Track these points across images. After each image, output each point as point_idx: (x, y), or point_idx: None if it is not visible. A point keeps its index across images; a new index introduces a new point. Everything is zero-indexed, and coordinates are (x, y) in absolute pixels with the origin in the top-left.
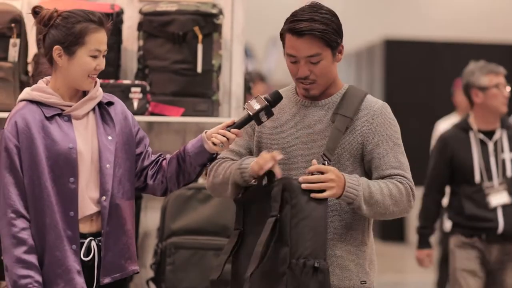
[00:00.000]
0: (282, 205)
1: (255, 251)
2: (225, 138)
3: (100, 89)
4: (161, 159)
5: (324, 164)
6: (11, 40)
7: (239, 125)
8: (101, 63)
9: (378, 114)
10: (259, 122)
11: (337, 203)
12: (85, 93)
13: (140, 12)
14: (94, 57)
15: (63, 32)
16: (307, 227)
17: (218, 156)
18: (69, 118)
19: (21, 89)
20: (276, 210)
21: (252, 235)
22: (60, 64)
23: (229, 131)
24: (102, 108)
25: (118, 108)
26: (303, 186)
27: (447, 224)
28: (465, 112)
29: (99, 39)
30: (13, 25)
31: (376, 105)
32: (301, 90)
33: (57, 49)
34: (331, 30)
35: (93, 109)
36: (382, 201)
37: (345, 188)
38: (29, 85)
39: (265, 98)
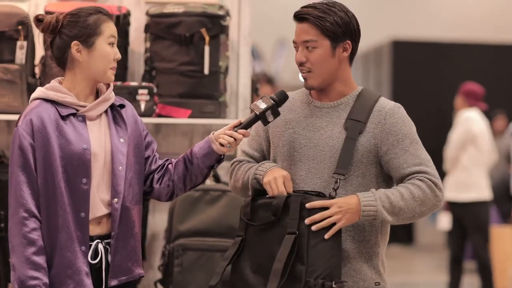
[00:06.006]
0: (299, 222)
1: (274, 267)
2: (232, 139)
3: (113, 92)
4: (167, 163)
5: (337, 181)
6: (18, 43)
7: (246, 125)
8: (117, 52)
9: (390, 114)
10: (266, 122)
11: None
12: (98, 95)
13: (147, 14)
14: (111, 45)
15: (78, 27)
16: (327, 248)
17: (236, 159)
18: (83, 119)
19: (29, 92)
20: (294, 227)
21: (252, 244)
22: (80, 59)
23: (236, 131)
24: (115, 111)
25: (129, 111)
26: (313, 228)
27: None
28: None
29: (112, 28)
30: (20, 27)
31: (388, 105)
32: (303, 80)
33: (75, 45)
34: (331, 20)
35: (106, 111)
36: (406, 207)
37: (361, 208)
38: (36, 87)
39: (271, 97)
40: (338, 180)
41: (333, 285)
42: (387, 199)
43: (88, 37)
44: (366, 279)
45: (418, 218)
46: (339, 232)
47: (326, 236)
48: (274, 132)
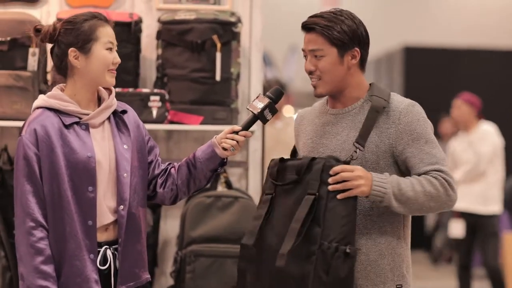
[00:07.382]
0: (320, 185)
1: (291, 227)
2: (235, 142)
3: (115, 98)
4: (169, 167)
5: (356, 152)
6: (30, 50)
7: (246, 126)
8: (116, 56)
9: (404, 113)
10: (265, 120)
11: (369, 207)
12: (100, 101)
13: (159, 20)
14: (109, 49)
15: (73, 34)
16: (343, 212)
17: None
18: (86, 127)
19: None
20: (315, 189)
21: (277, 204)
22: (78, 66)
23: (237, 134)
24: (117, 117)
25: (131, 116)
26: (330, 188)
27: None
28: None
29: (109, 33)
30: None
31: (402, 104)
32: (313, 88)
33: (72, 52)
34: (338, 28)
35: (108, 118)
36: (414, 198)
37: (372, 186)
38: None
39: (267, 95)
40: (357, 150)
41: (347, 250)
42: (398, 186)
43: (84, 43)
44: (387, 281)
45: (426, 212)
46: (355, 199)
47: (339, 197)
48: (300, 144)
